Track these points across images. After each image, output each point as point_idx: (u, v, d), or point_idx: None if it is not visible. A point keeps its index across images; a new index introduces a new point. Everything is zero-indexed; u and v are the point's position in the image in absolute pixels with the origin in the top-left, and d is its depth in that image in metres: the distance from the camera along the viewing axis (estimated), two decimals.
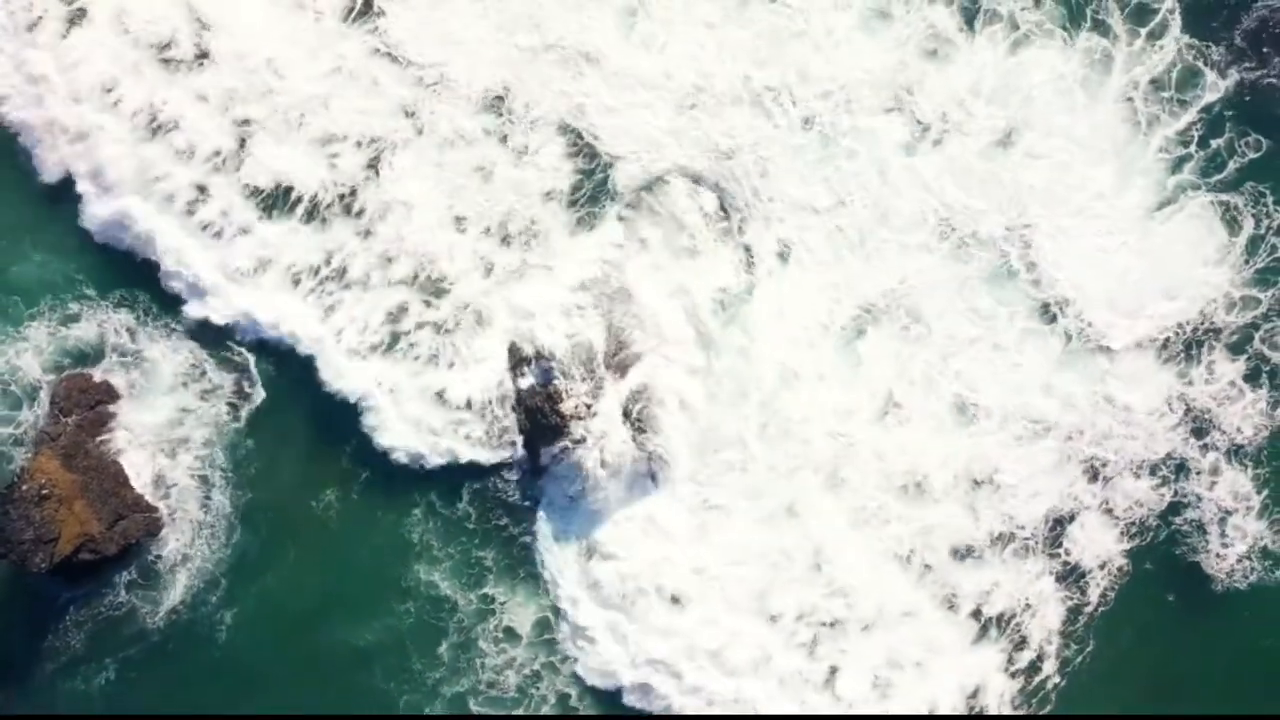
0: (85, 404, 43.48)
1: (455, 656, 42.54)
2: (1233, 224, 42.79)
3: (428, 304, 43.62)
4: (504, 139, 44.30)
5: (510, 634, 42.62)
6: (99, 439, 43.22)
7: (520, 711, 42.41)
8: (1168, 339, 42.41)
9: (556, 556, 42.77)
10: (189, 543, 43.42)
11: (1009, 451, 42.28)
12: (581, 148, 44.19)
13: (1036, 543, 42.01)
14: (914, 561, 42.13)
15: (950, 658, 41.85)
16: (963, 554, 42.21)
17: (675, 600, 41.96)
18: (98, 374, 44.03)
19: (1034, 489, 42.10)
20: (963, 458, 42.28)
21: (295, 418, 43.89)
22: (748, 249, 43.61)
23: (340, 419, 43.33)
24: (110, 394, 43.97)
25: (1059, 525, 42.10)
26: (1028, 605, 41.81)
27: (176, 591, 43.15)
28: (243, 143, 44.62)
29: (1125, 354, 42.43)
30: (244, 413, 43.88)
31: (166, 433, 43.98)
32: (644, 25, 44.66)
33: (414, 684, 42.49)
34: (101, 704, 42.94)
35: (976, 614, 42.01)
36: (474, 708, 42.46)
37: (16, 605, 43.49)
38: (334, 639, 42.74)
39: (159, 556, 43.30)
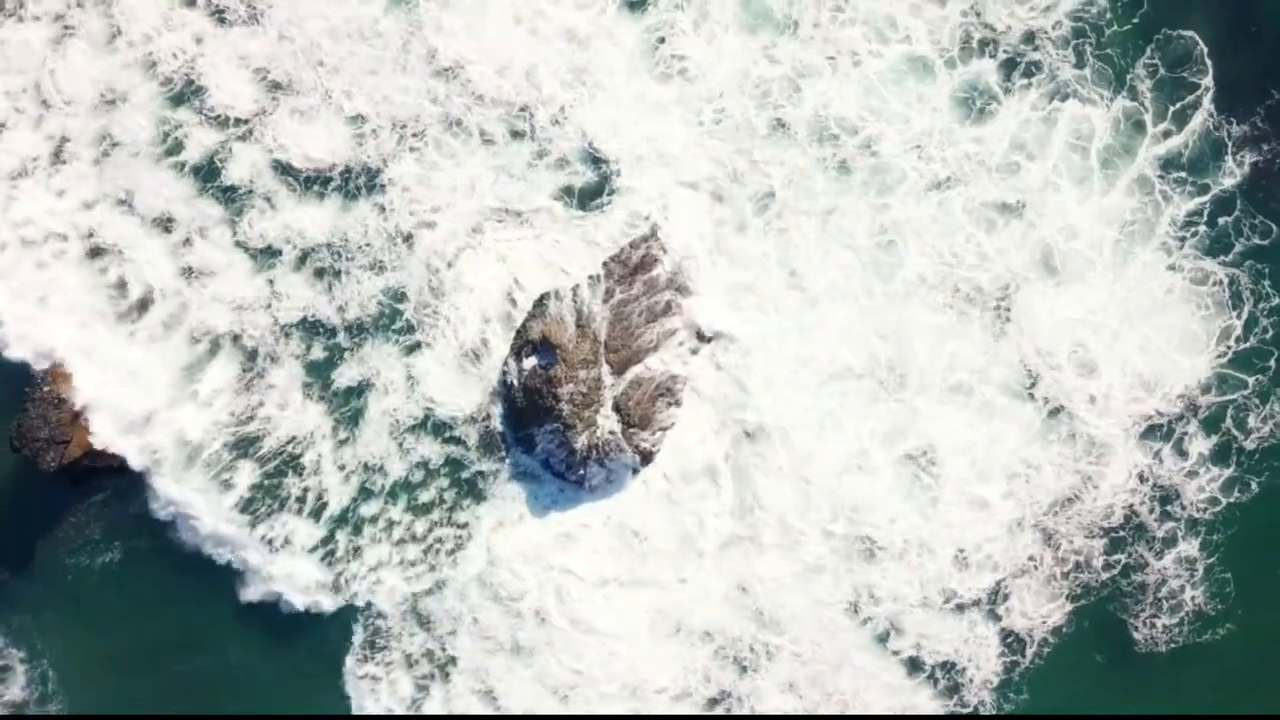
0: None
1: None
2: (1227, 306, 42.91)
3: (432, 289, 44.90)
4: (525, 139, 45.31)
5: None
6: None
7: None
8: (1150, 424, 42.73)
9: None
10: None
11: (964, 518, 42.69)
12: (597, 158, 45.02)
13: (982, 601, 42.50)
14: (860, 610, 42.74)
15: (883, 694, 42.57)
16: (908, 602, 42.72)
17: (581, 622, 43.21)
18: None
19: (986, 555, 42.54)
20: (915, 519, 42.72)
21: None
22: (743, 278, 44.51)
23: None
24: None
25: (1005, 583, 42.49)
26: (969, 658, 42.38)
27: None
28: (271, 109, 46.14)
29: (1099, 432, 42.76)
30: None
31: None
32: (667, 47, 45.42)
33: None
34: (102, 583, 45.14)
35: (915, 659, 42.58)
36: None
37: (28, 496, 45.60)
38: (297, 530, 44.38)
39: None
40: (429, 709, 43.45)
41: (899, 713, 42.45)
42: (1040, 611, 42.33)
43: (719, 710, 42.71)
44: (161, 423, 44.72)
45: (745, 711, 42.61)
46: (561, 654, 43.13)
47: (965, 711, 42.40)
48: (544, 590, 43.51)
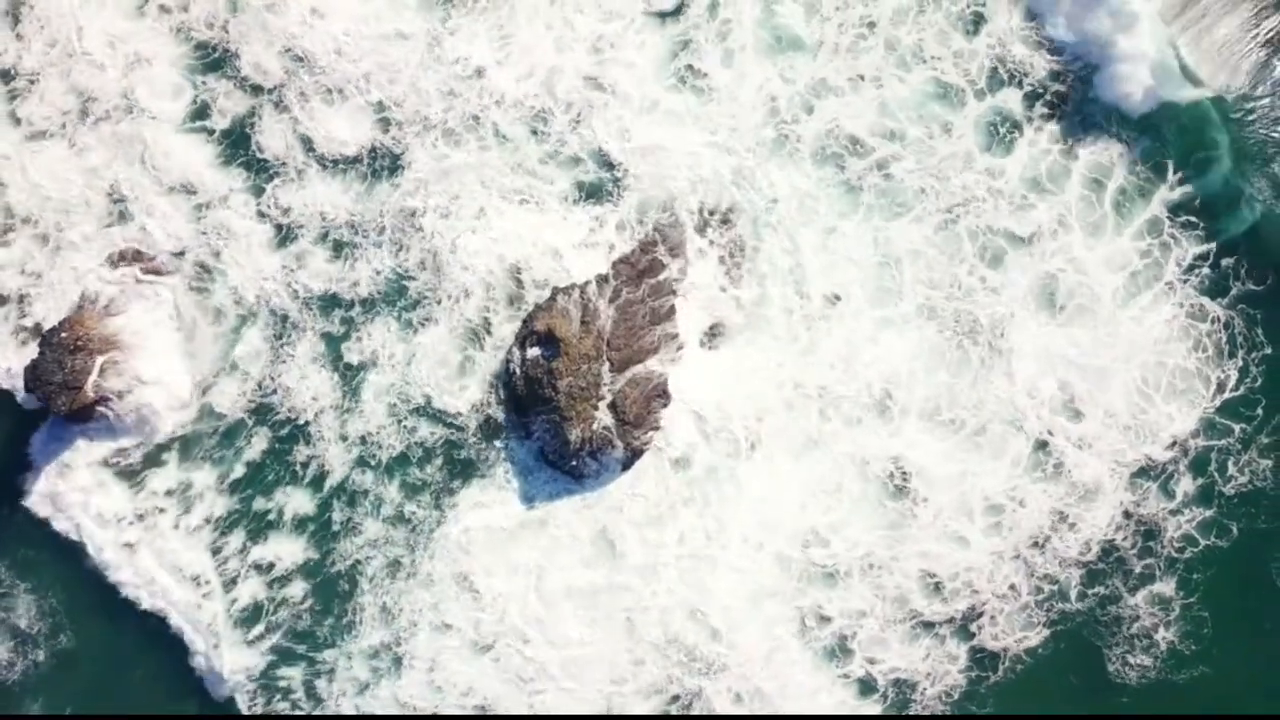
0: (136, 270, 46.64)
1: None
2: (1223, 351, 43.04)
3: (438, 269, 45.94)
4: (541, 139, 46.30)
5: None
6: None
7: None
8: (1140, 467, 42.89)
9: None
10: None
11: (943, 547, 43.00)
12: (609, 161, 45.86)
13: (955, 619, 42.84)
14: (814, 629, 43.20)
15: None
16: (872, 623, 43.04)
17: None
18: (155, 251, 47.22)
19: (964, 582, 42.75)
20: (892, 545, 43.04)
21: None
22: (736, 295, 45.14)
23: None
24: (159, 270, 47.05)
25: (981, 606, 42.70)
26: (928, 674, 42.70)
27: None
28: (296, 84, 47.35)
29: (1088, 474, 42.98)
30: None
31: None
32: (687, 58, 46.14)
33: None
34: None
35: (869, 681, 42.93)
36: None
37: (37, 435, 47.27)
38: (294, 503, 45.88)
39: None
40: (382, 696, 44.46)
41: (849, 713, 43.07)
42: (1015, 636, 42.62)
43: (675, 708, 43.44)
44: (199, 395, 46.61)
45: (701, 712, 43.30)
46: (524, 646, 43.93)
47: (923, 713, 42.88)
48: (515, 578, 44.29)
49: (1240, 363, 43.16)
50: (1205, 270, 43.59)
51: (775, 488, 43.90)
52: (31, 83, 48.39)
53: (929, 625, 42.93)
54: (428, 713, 43.96)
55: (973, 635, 42.78)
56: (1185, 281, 43.58)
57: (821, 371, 44.28)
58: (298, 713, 44.53)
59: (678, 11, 46.53)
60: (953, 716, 42.75)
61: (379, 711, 44.39)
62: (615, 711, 43.42)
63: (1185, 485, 42.90)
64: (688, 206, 45.36)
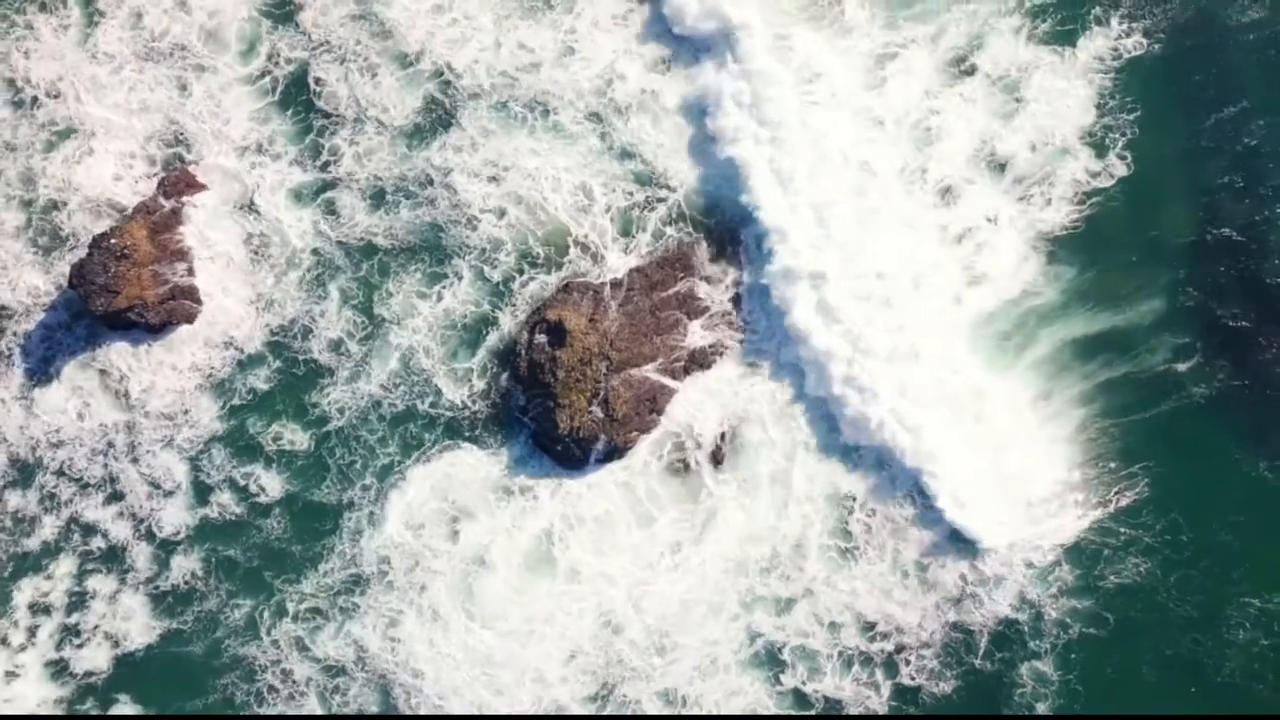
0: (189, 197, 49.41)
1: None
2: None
3: (471, 224, 48.73)
4: (587, 133, 49.06)
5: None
6: (185, 227, 48.96)
7: None
8: (1036, 556, 43.76)
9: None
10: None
11: (873, 588, 44.39)
12: (648, 160, 48.58)
13: (882, 651, 44.08)
14: (743, 648, 44.55)
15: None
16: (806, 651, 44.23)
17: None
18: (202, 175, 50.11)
19: (893, 626, 43.91)
20: (832, 582, 44.38)
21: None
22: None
23: None
24: (208, 201, 49.77)
25: (905, 650, 43.79)
26: (854, 696, 43.81)
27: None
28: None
29: (990, 565, 44.00)
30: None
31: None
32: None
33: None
34: None
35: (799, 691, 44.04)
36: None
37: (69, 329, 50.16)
38: (288, 434, 48.30)
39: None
40: (321, 645, 46.21)
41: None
42: (926, 678, 43.66)
43: (594, 707, 44.60)
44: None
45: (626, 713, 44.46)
46: (459, 629, 45.51)
47: (879, 712, 43.69)
48: (465, 555, 46.14)
49: (1136, 470, 44.15)
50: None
51: (739, 510, 45.56)
52: (103, 13, 51.86)
53: (862, 652, 44.24)
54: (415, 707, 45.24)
55: (897, 670, 44.08)
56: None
57: (801, 407, 46.23)
58: (290, 712, 45.91)
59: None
60: (892, 716, 43.67)
61: (320, 667, 46.19)
62: (545, 710, 44.69)
63: (1064, 576, 43.60)
64: (709, 227, 47.75)
